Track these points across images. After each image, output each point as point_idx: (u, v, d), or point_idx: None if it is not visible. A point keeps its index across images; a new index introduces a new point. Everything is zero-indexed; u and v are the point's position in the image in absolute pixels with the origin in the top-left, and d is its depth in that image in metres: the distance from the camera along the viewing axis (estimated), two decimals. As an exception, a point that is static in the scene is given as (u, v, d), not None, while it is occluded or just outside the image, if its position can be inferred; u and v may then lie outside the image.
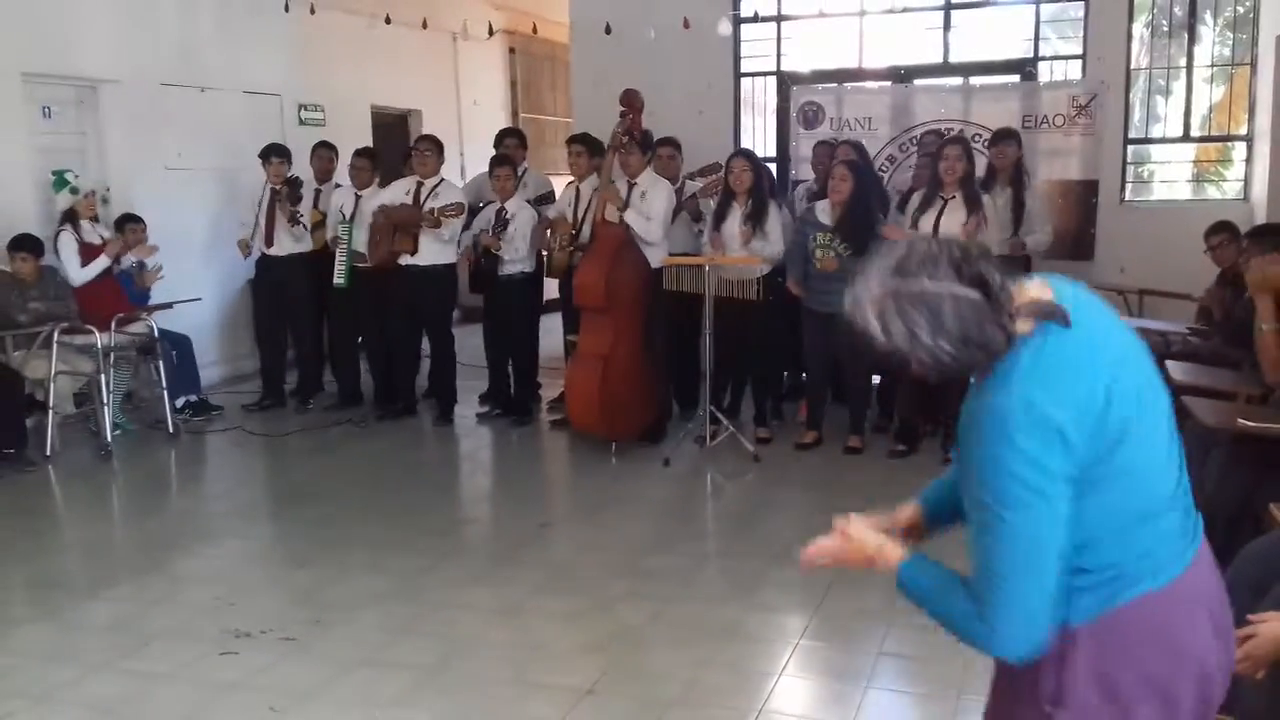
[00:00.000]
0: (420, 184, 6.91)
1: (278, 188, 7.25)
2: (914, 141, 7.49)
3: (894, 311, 1.53)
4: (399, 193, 6.95)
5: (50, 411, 6.23)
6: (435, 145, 7.02)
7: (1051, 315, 1.56)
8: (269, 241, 7.34)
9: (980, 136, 7.12)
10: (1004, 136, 6.49)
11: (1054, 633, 1.58)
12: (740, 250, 6.08)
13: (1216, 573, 1.71)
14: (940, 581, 1.65)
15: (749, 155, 6.46)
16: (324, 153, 7.69)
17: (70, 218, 6.65)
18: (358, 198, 7.19)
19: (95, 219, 6.92)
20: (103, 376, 6.38)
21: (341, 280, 7.11)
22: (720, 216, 6.23)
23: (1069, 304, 1.59)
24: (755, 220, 6.11)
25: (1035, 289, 1.61)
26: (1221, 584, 1.70)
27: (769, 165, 7.70)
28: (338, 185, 7.55)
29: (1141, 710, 1.61)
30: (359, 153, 7.44)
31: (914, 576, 1.69)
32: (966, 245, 1.59)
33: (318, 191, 7.57)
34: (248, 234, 7.36)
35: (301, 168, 7.57)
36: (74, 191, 6.68)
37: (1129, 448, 1.56)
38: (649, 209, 6.30)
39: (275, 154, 7.30)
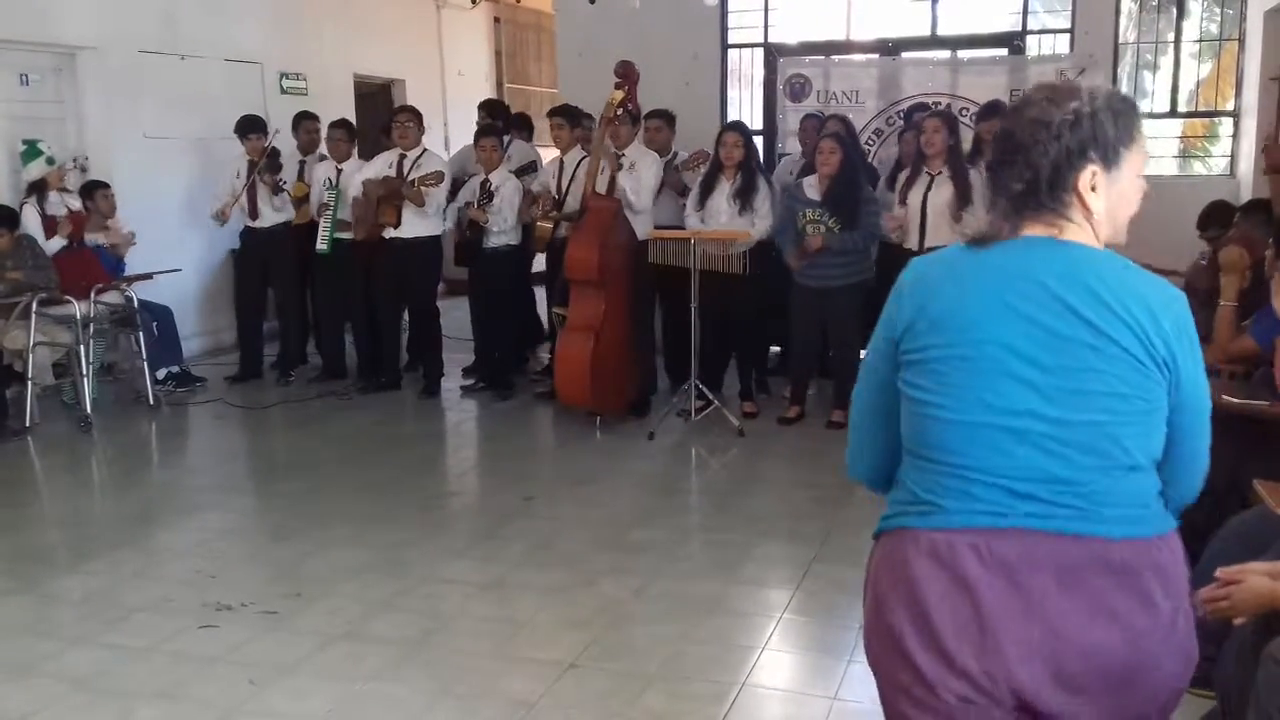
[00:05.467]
0: (403, 156, 6.83)
1: (256, 160, 7.16)
2: (901, 115, 7.45)
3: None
4: (382, 166, 6.85)
5: (29, 383, 6.17)
6: (415, 116, 6.93)
7: (974, 240, 1.70)
8: (252, 214, 7.27)
9: (967, 110, 7.08)
10: (993, 111, 6.44)
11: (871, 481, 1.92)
12: (727, 225, 6.04)
13: (1036, 600, 1.57)
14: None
15: (742, 129, 6.35)
16: (308, 124, 7.58)
17: (37, 189, 6.56)
18: (338, 171, 7.10)
19: (65, 189, 6.82)
20: (81, 347, 6.32)
21: (324, 246, 6.99)
22: (707, 189, 6.17)
23: (1017, 255, 1.64)
24: (744, 197, 6.05)
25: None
26: (1029, 614, 1.56)
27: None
28: (322, 157, 7.45)
29: (876, 633, 1.70)
30: (335, 124, 7.32)
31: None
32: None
33: (302, 163, 7.47)
34: (220, 205, 7.23)
35: (285, 138, 7.47)
36: (50, 162, 6.58)
37: (914, 375, 1.68)
38: (637, 180, 6.24)
39: (252, 130, 7.18)
